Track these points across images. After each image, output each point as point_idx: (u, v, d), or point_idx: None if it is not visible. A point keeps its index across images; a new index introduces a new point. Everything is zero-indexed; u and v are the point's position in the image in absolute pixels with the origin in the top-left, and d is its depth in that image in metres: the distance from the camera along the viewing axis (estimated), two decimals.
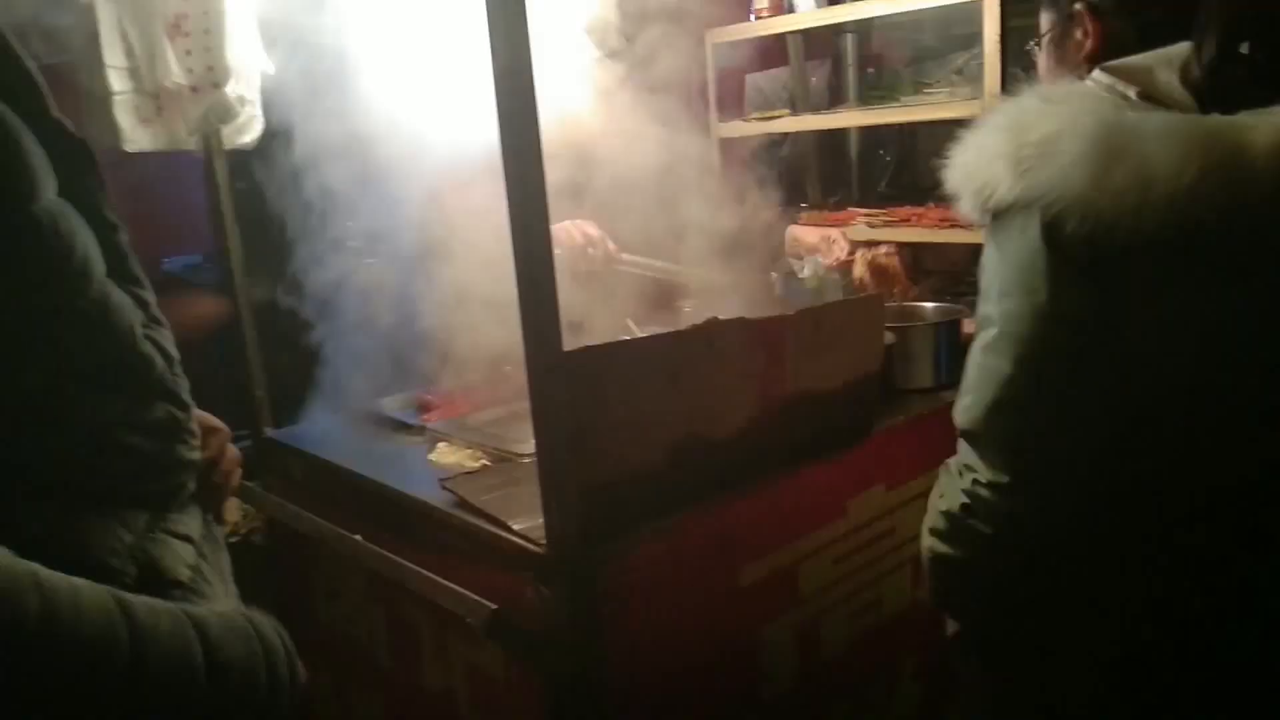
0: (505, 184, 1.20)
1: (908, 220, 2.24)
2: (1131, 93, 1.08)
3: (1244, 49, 1.04)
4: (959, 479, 1.21)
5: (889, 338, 1.86)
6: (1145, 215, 0.98)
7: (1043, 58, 1.34)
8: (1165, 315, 1.07)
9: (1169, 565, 1.14)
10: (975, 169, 1.11)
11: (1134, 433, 1.11)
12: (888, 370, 1.86)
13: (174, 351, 0.88)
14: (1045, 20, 1.34)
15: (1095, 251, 1.02)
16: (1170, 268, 1.04)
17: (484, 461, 1.66)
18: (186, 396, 0.89)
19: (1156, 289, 1.05)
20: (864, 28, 2.80)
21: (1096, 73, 1.13)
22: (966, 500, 1.19)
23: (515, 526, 1.38)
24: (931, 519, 1.27)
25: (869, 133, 2.95)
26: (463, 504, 1.49)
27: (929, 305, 2.06)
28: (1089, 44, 1.22)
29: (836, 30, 2.72)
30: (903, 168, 3.04)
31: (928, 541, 1.27)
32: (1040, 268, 1.06)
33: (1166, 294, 1.06)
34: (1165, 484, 1.12)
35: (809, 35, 2.72)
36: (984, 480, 1.16)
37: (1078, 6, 1.23)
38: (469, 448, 1.71)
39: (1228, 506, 1.13)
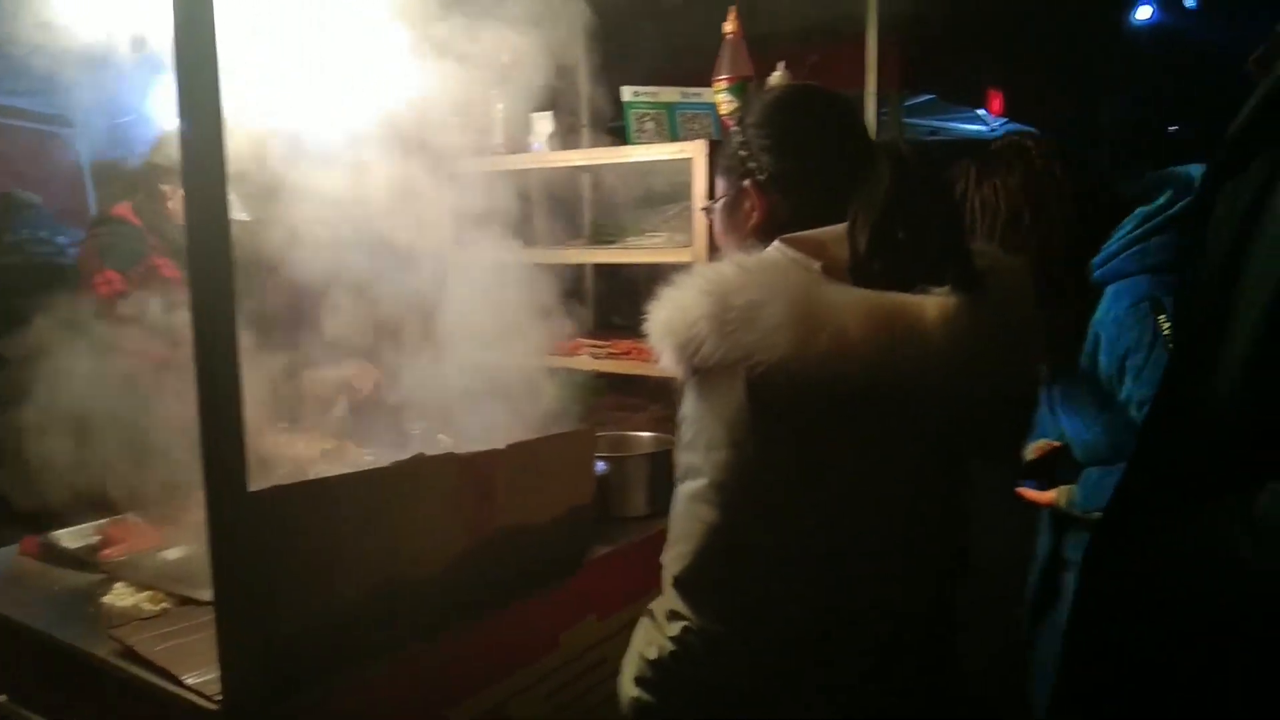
0: (190, 299, 1.13)
1: (628, 353, 2.35)
2: (816, 266, 1.16)
3: (893, 237, 1.16)
4: (667, 626, 1.21)
5: (604, 467, 1.92)
6: (841, 379, 1.08)
7: (717, 219, 1.40)
8: (857, 466, 1.17)
9: (865, 697, 1.24)
10: (679, 326, 1.14)
11: (831, 575, 1.20)
12: (603, 499, 1.91)
13: None
14: (720, 185, 1.39)
15: (796, 409, 1.11)
16: (861, 424, 1.15)
17: (165, 605, 1.53)
18: None
19: (849, 442, 1.16)
20: (599, 168, 2.97)
21: (779, 244, 1.20)
22: (675, 649, 1.20)
23: (188, 680, 1.27)
24: (637, 668, 1.26)
25: (611, 265, 3.09)
26: (129, 654, 1.35)
27: (644, 435, 2.15)
28: (755, 216, 1.31)
29: (577, 168, 2.87)
30: (635, 301, 3.19)
31: (633, 692, 1.26)
32: (745, 421, 1.13)
33: (858, 446, 1.17)
34: (858, 624, 1.22)
35: (552, 171, 2.85)
36: (695, 628, 1.18)
37: (746, 183, 1.31)
38: (149, 589, 1.56)
39: (907, 638, 1.26)
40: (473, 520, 1.50)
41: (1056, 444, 1.84)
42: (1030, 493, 1.83)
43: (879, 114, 3.07)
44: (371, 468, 1.37)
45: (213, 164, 1.12)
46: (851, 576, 1.21)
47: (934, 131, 6.51)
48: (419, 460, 1.41)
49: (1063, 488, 1.78)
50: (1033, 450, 1.83)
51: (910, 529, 1.23)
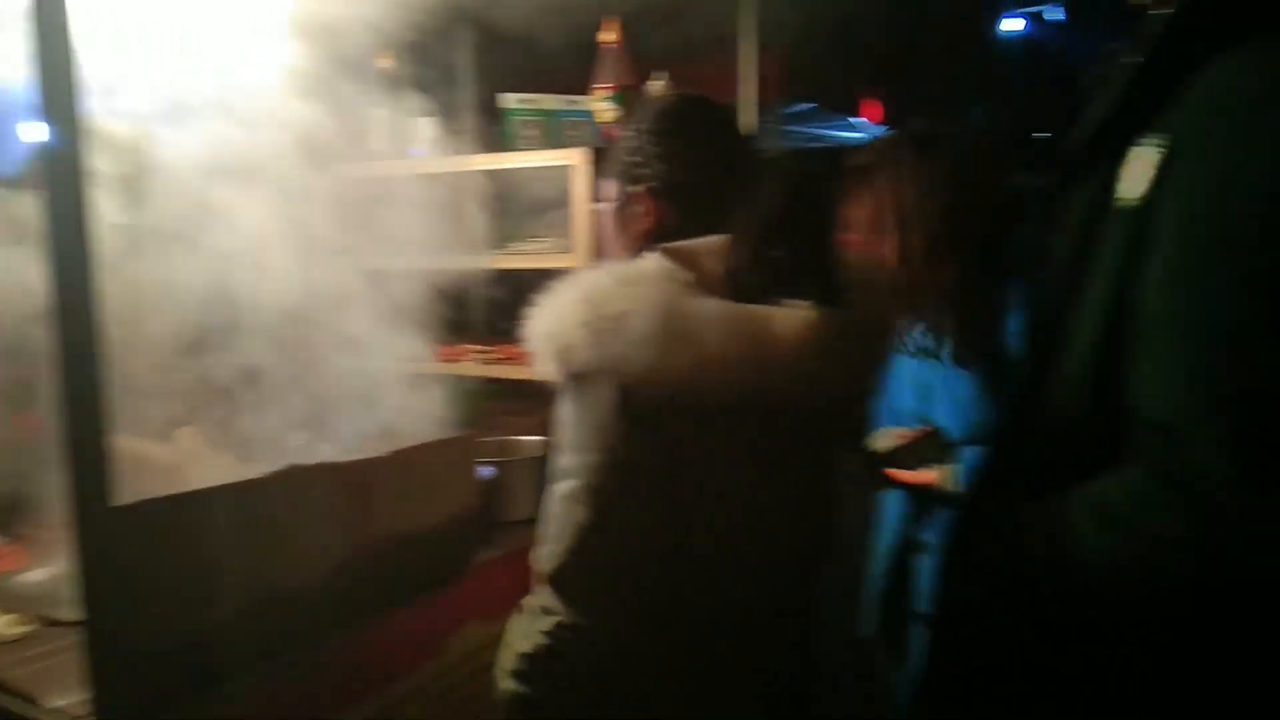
0: (51, 306, 1.10)
1: (514, 358, 2.37)
2: (688, 278, 1.21)
3: (772, 254, 1.22)
4: (539, 620, 1.26)
5: (489, 472, 1.93)
6: (702, 387, 1.14)
7: (606, 223, 1.42)
8: (723, 469, 1.23)
9: (734, 688, 1.30)
10: (557, 332, 1.18)
11: (700, 573, 1.25)
12: (489, 503, 1.93)
13: None
14: (610, 189, 1.41)
15: (663, 415, 1.17)
16: (726, 429, 1.20)
17: (30, 628, 1.47)
18: None
19: (715, 447, 1.22)
20: (482, 175, 2.97)
21: (656, 254, 1.24)
22: (547, 642, 1.25)
23: (55, 703, 1.24)
24: (510, 661, 1.31)
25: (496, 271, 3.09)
26: None
27: (530, 439, 2.17)
28: (645, 222, 1.34)
29: (459, 174, 2.86)
30: (522, 306, 3.20)
31: (507, 684, 1.31)
32: (616, 426, 1.18)
33: (723, 451, 1.22)
34: (726, 619, 1.28)
35: (435, 177, 2.83)
36: (567, 622, 1.24)
37: (636, 188, 1.34)
38: (12, 613, 1.51)
39: (774, 630, 1.33)
40: (351, 529, 1.50)
41: (927, 429, 1.87)
42: (906, 474, 1.85)
43: (760, 123, 3.17)
44: (244, 479, 1.35)
45: (72, 169, 1.10)
46: (720, 574, 1.27)
47: (814, 139, 6.72)
48: (293, 470, 1.40)
49: (943, 467, 1.81)
50: (896, 437, 1.87)
51: (776, 526, 1.30)
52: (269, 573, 1.40)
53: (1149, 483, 0.81)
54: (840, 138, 6.62)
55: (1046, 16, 6.86)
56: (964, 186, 1.77)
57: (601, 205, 1.44)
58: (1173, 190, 0.85)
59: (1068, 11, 6.74)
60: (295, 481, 1.41)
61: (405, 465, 1.57)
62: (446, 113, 2.81)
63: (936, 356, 1.87)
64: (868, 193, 1.83)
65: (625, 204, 1.37)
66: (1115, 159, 0.95)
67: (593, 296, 1.18)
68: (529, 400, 2.97)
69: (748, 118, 2.79)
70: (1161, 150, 0.88)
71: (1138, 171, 0.91)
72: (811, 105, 5.73)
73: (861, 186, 1.84)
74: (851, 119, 6.31)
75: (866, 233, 1.82)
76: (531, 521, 1.98)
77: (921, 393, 1.90)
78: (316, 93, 2.19)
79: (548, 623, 1.25)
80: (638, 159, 1.35)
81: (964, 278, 1.76)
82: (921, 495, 1.87)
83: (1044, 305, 1.08)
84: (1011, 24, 7.04)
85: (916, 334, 1.89)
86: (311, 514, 1.44)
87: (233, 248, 2.08)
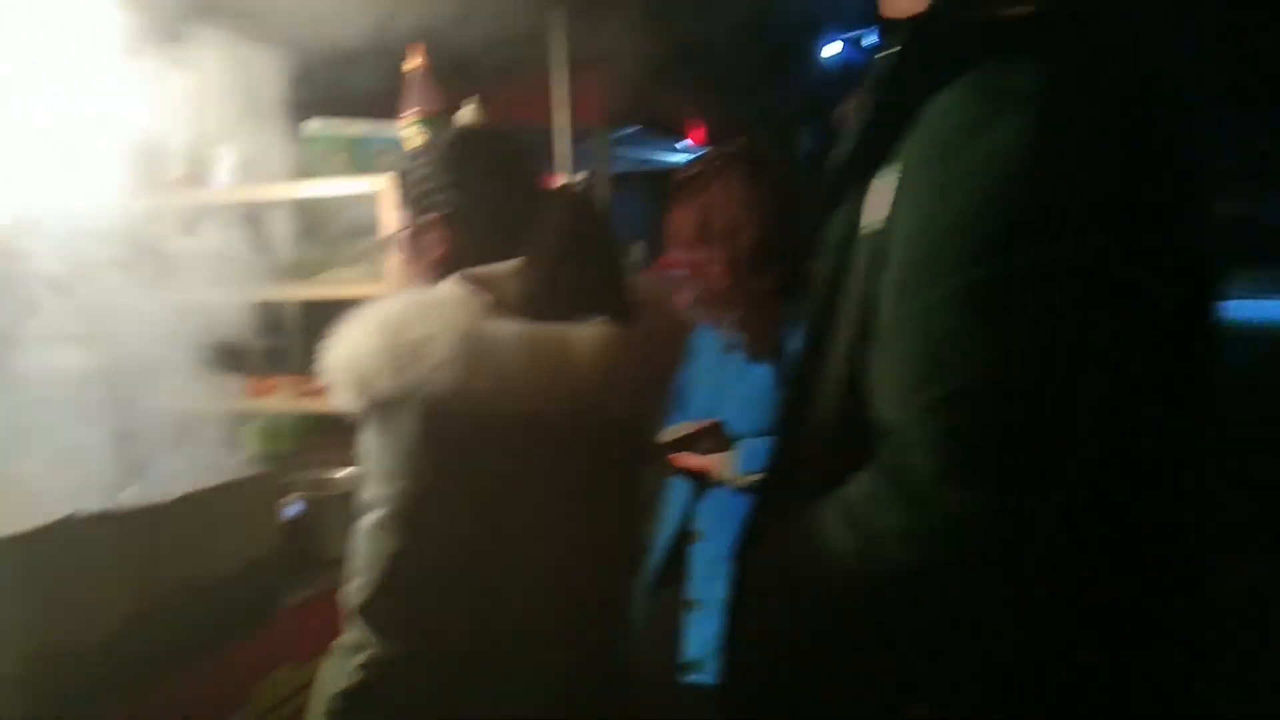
0: None
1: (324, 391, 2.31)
2: (486, 301, 1.22)
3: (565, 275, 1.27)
4: (351, 656, 1.24)
5: (299, 509, 1.88)
6: (505, 406, 1.16)
7: (402, 252, 1.43)
8: (528, 486, 1.25)
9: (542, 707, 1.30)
10: (355, 361, 1.18)
11: (510, 591, 1.26)
12: (300, 543, 1.87)
13: None
14: (404, 218, 1.42)
15: (467, 436, 1.18)
16: (529, 446, 1.22)
17: None
18: None
19: (519, 465, 1.23)
20: (290, 203, 2.87)
21: (455, 280, 1.25)
22: (361, 676, 1.23)
23: None
24: (325, 704, 1.27)
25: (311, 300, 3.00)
26: None
27: (342, 474, 2.11)
28: (438, 249, 1.36)
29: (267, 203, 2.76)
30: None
31: None
32: (421, 451, 1.18)
33: (528, 468, 1.24)
34: (538, 633, 1.29)
35: (241, 206, 2.72)
36: (380, 654, 1.22)
37: (428, 217, 1.36)
38: None
39: (586, 639, 1.36)
40: (139, 579, 1.43)
41: (710, 421, 1.92)
42: (691, 459, 1.90)
43: (577, 147, 3.22)
44: (8, 534, 1.26)
45: None
46: (531, 591, 1.28)
47: (642, 163, 6.86)
48: (70, 521, 1.32)
49: (721, 455, 1.86)
50: (681, 429, 1.90)
51: (585, 538, 1.32)
52: (46, 632, 1.31)
53: (878, 482, 0.88)
54: (668, 161, 6.79)
55: (864, 42, 7.24)
56: (785, 199, 1.87)
57: (397, 233, 1.45)
58: (900, 215, 0.93)
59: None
60: (72, 532, 1.33)
61: (196, 509, 1.51)
62: (250, 139, 2.72)
63: (732, 355, 1.94)
64: (695, 203, 1.90)
65: (418, 232, 1.39)
66: (864, 188, 1.03)
67: (390, 323, 1.18)
68: (347, 434, 2.89)
69: (561, 141, 2.83)
70: (897, 178, 0.95)
71: (879, 199, 0.98)
72: (637, 128, 5.86)
73: (689, 197, 1.92)
74: (677, 143, 6.49)
75: (690, 240, 1.90)
76: (345, 560, 1.94)
77: (713, 390, 1.96)
78: (112, 116, 2.08)
79: (361, 657, 1.24)
80: (428, 188, 1.37)
81: (779, 284, 1.85)
82: (698, 480, 1.92)
83: (811, 320, 1.15)
84: (831, 49, 7.37)
85: (714, 334, 1.96)
86: (93, 566, 1.36)
87: (24, 285, 1.95)
